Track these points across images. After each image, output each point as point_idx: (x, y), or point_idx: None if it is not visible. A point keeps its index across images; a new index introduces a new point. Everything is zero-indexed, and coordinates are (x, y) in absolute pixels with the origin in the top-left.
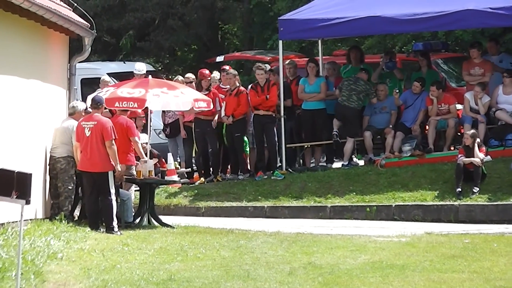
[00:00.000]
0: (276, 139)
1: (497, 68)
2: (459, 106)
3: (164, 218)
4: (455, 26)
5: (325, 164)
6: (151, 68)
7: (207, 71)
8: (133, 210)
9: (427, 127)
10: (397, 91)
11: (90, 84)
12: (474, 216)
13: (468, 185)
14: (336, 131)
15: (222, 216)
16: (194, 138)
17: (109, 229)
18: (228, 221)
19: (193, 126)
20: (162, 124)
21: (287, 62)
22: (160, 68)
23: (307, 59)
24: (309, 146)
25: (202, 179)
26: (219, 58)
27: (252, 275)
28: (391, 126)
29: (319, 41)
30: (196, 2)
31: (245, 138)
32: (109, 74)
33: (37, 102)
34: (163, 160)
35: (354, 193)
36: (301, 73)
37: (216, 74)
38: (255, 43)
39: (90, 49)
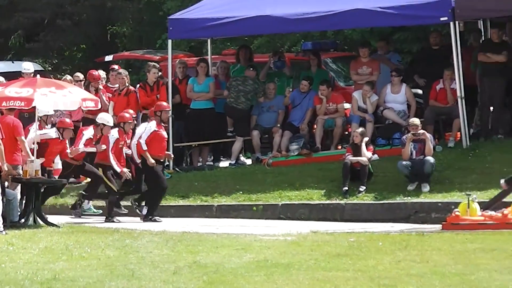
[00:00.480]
0: None
1: (389, 63)
2: (346, 105)
3: (50, 218)
4: (345, 26)
5: (212, 163)
6: (39, 68)
7: (96, 72)
8: (19, 210)
9: (315, 126)
10: (290, 89)
11: None
12: (360, 215)
13: (355, 184)
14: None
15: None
16: None
17: None
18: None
19: (81, 125)
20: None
21: (177, 61)
22: (49, 68)
23: (197, 58)
24: (196, 145)
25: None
26: (108, 58)
27: (136, 274)
28: (278, 125)
29: (209, 41)
30: (85, 1)
31: None
32: None
33: None
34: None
35: (241, 192)
36: (191, 72)
37: (102, 73)
38: (144, 42)
39: None
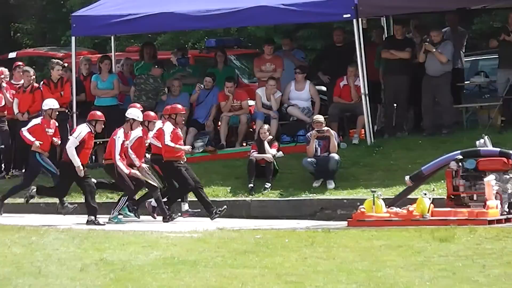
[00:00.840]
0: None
1: (295, 59)
2: (251, 102)
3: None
4: (248, 23)
5: None
6: None
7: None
8: None
9: (220, 123)
10: (202, 86)
11: None
12: (266, 211)
13: (260, 180)
14: None
15: (15, 212)
16: None
17: None
18: (21, 217)
19: None
20: None
21: (82, 58)
22: None
23: (100, 55)
24: (101, 142)
25: None
26: (12, 55)
27: (43, 271)
28: (183, 122)
29: (112, 38)
30: None
31: None
32: None
33: None
34: None
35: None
36: (96, 69)
37: (5, 70)
38: (48, 39)
39: None
